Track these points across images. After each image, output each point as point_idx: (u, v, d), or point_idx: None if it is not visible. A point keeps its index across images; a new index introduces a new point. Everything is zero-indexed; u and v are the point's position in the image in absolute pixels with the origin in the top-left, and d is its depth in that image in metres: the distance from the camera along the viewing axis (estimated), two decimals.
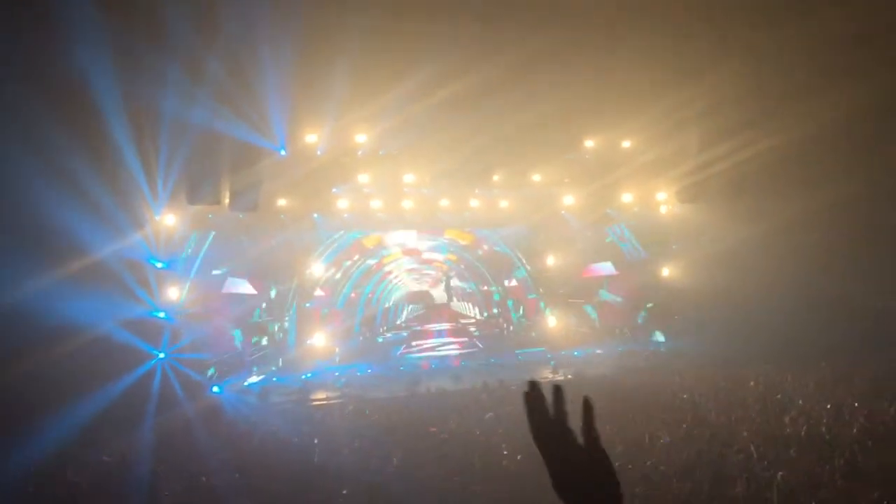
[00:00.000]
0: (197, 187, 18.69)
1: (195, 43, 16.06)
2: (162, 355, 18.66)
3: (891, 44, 18.40)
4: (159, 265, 19.01)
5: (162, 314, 18.92)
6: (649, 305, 25.35)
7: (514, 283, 26.94)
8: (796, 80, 20.01)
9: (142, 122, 16.93)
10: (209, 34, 16.13)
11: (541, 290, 26.62)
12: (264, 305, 22.28)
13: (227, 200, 19.28)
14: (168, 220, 19.14)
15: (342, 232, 24.00)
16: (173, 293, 19.30)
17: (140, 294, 18.21)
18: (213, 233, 20.97)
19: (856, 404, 14.07)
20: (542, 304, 26.51)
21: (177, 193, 18.60)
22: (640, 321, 25.52)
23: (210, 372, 20.27)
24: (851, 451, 11.09)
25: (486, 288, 26.62)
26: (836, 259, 20.99)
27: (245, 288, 21.41)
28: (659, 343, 24.79)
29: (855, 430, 12.40)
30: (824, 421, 13.11)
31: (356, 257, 24.64)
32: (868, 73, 18.80)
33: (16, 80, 14.65)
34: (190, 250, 20.48)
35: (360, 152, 20.55)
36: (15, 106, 14.90)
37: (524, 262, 26.74)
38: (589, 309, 26.28)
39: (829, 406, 14.26)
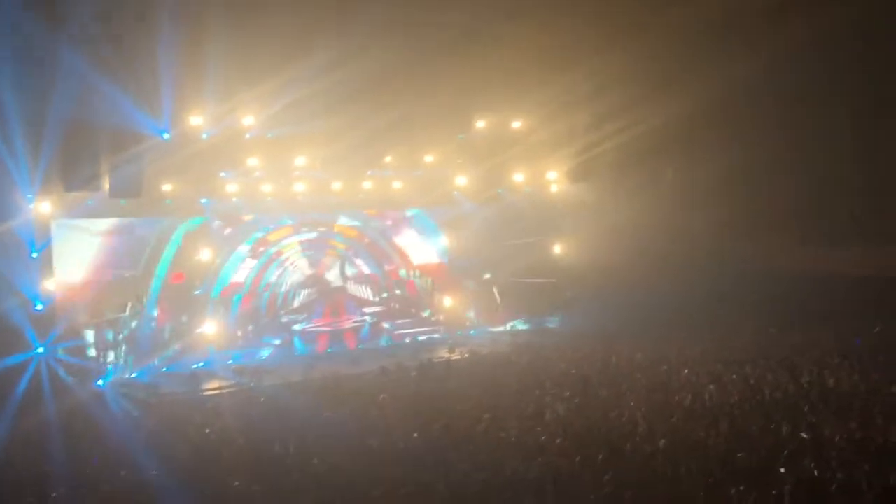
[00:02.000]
0: (74, 172, 17.77)
1: (69, 10, 15.26)
2: (41, 349, 17.76)
3: (759, 28, 19.42)
4: (34, 255, 18.03)
5: (40, 306, 17.98)
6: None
7: (417, 261, 26.76)
8: (679, 60, 20.85)
9: (11, 106, 15.94)
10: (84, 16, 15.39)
11: (440, 271, 26.67)
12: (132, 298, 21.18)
13: (107, 186, 18.44)
14: (43, 207, 18.14)
15: (248, 225, 23.25)
16: (50, 284, 18.34)
17: (18, 284, 17.28)
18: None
19: (733, 376, 14.81)
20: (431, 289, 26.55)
21: (52, 179, 17.66)
22: (535, 298, 25.99)
23: (93, 364, 19.39)
24: (732, 417, 11.71)
25: (389, 267, 26.28)
26: (718, 231, 22.10)
27: (102, 275, 20.40)
28: (552, 320, 25.33)
29: (736, 398, 13.07)
30: (709, 388, 13.74)
31: (227, 231, 23.43)
32: (741, 55, 19.78)
33: None
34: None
35: (248, 135, 20.00)
36: None
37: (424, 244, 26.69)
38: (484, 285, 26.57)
39: (710, 375, 14.98)
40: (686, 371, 15.59)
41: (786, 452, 9.71)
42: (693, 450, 10.31)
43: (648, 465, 9.95)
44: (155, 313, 21.42)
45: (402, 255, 26.41)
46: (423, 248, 26.66)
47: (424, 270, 26.67)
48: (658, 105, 21.06)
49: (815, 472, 8.91)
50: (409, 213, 26.07)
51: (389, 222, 26.10)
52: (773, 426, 11.17)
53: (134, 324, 20.79)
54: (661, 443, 10.63)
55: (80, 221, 19.83)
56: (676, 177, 21.39)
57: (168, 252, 21.63)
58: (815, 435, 10.49)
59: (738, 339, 18.67)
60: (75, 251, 19.86)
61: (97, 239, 20.40)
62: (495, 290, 26.34)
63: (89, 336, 19.77)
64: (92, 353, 19.69)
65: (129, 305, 20.62)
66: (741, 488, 8.67)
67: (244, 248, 23.63)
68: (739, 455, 9.84)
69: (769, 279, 21.76)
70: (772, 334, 18.84)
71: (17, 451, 12.75)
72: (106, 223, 20.47)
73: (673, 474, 9.55)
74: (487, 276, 26.35)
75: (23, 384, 16.64)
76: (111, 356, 20.11)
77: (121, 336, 20.39)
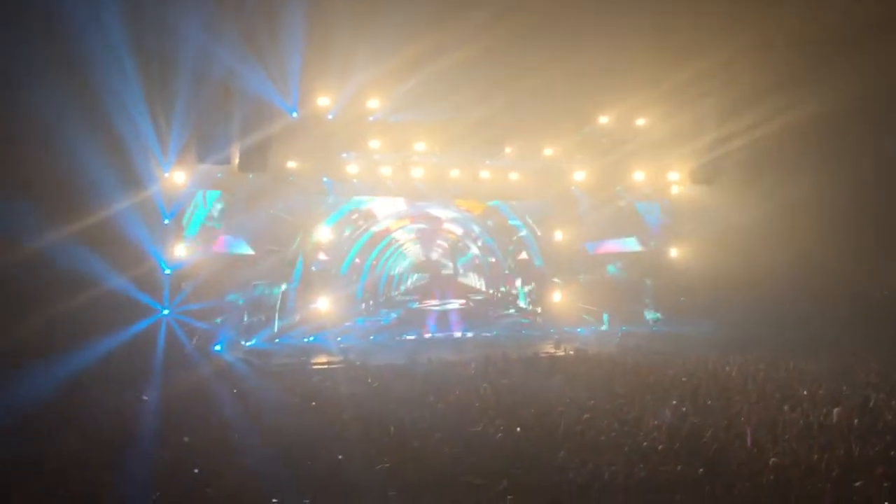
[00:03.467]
0: (207, 146, 18.61)
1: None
2: (166, 311, 18.75)
3: None
4: (167, 222, 19.02)
5: (168, 271, 18.97)
6: (649, 282, 25.29)
7: (523, 256, 26.76)
8: (812, 53, 19.53)
9: (154, 80, 16.82)
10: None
11: (549, 265, 26.47)
12: (268, 268, 22.12)
13: (236, 160, 19.21)
14: (177, 177, 19.08)
15: (353, 197, 23.84)
16: (180, 251, 19.30)
17: (149, 250, 18.28)
18: (220, 193, 20.86)
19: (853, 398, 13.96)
20: (550, 280, 26.37)
21: (186, 151, 18.56)
22: (646, 301, 25.40)
23: (213, 331, 20.32)
24: (848, 443, 11.06)
25: (494, 260, 26.43)
26: (843, 243, 20.75)
27: (243, 248, 21.30)
28: (663, 324, 24.68)
29: (856, 422, 12.31)
30: (824, 411, 13.03)
31: (361, 222, 24.39)
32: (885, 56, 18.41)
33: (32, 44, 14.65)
34: (198, 208, 20.40)
35: (371, 118, 20.39)
36: (30, 65, 14.97)
37: (535, 235, 26.55)
38: (596, 285, 26.20)
39: (825, 395, 14.20)
40: (804, 391, 14.80)
41: None
42: (804, 473, 9.79)
43: (754, 482, 9.54)
44: (296, 288, 22.34)
45: (508, 251, 26.39)
46: (527, 244, 26.50)
47: (525, 264, 26.54)
48: (794, 101, 19.82)
49: None
50: (513, 220, 25.89)
51: (491, 223, 26.09)
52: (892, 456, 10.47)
53: (269, 293, 21.79)
54: (771, 461, 10.16)
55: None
56: (803, 184, 20.05)
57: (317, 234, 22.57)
58: None
59: (860, 362, 17.56)
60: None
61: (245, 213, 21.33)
62: (607, 291, 25.90)
63: (217, 302, 20.67)
64: (215, 318, 20.57)
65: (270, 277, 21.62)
66: None
67: (368, 233, 24.30)
68: (856, 484, 9.28)
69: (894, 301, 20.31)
70: None
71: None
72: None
73: (781, 495, 9.12)
74: (604, 274, 25.94)
75: (146, 343, 17.62)
76: (233, 323, 20.99)
77: (246, 304, 21.30)
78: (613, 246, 25.82)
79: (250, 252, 21.46)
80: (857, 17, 17.94)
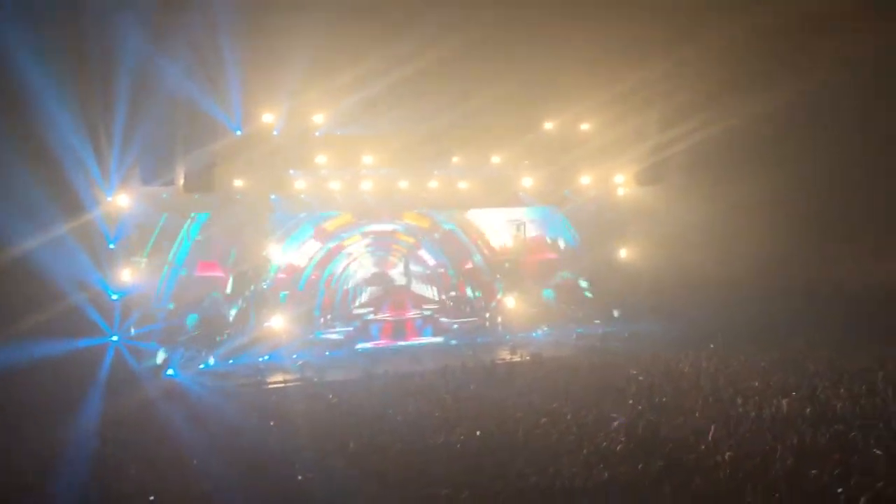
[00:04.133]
0: (151, 168, 18.36)
1: (146, 20, 15.78)
2: (115, 337, 18.39)
3: (841, 33, 18.68)
4: (111, 246, 18.67)
5: (115, 296, 18.62)
6: (589, 286, 25.72)
7: (470, 265, 26.86)
8: (752, 63, 20.24)
9: (93, 103, 16.54)
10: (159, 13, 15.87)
11: (498, 273, 26.64)
12: (217, 293, 21.87)
13: (181, 181, 18.96)
14: (121, 200, 18.75)
15: (304, 214, 23.72)
16: (125, 275, 18.95)
17: (91, 275, 17.94)
18: (165, 215, 20.55)
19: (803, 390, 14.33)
20: (499, 287, 26.54)
21: (130, 174, 18.29)
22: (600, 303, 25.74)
23: (162, 356, 19.98)
24: (800, 432, 11.35)
25: (442, 271, 26.54)
26: (788, 240, 21.36)
27: (214, 270, 21.09)
28: (614, 325, 24.98)
29: (808, 411, 12.63)
30: (775, 402, 13.34)
31: (316, 240, 24.34)
32: (823, 60, 19.09)
33: None
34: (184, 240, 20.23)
35: (317, 133, 20.32)
36: None
37: (480, 245, 26.71)
38: (547, 292, 26.44)
39: (778, 388, 14.54)
40: (756, 383, 15.15)
41: (855, 472, 9.35)
42: (759, 465, 10.01)
43: (711, 477, 9.72)
44: (230, 307, 22.03)
45: (457, 260, 26.54)
46: (472, 254, 26.72)
47: (480, 273, 26.71)
48: (731, 106, 20.47)
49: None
50: (447, 227, 26.12)
51: (437, 235, 26.22)
52: (843, 442, 10.78)
53: (208, 315, 21.48)
54: (727, 455, 10.37)
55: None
56: (748, 184, 20.62)
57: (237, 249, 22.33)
58: (889, 452, 10.09)
59: (809, 354, 18.01)
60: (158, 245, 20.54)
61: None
62: (554, 293, 26.21)
63: (163, 325, 20.35)
64: (164, 341, 20.24)
65: (209, 297, 21.31)
66: None
67: (323, 250, 24.21)
68: (810, 472, 9.53)
69: (842, 294, 20.89)
70: (845, 350, 18.08)
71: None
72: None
73: (737, 488, 9.31)
74: (556, 279, 26.23)
75: (95, 370, 17.24)
76: (183, 346, 20.68)
77: (194, 326, 21.01)
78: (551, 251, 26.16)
79: (220, 274, 21.22)
80: (794, 21, 18.53)
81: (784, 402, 13.27)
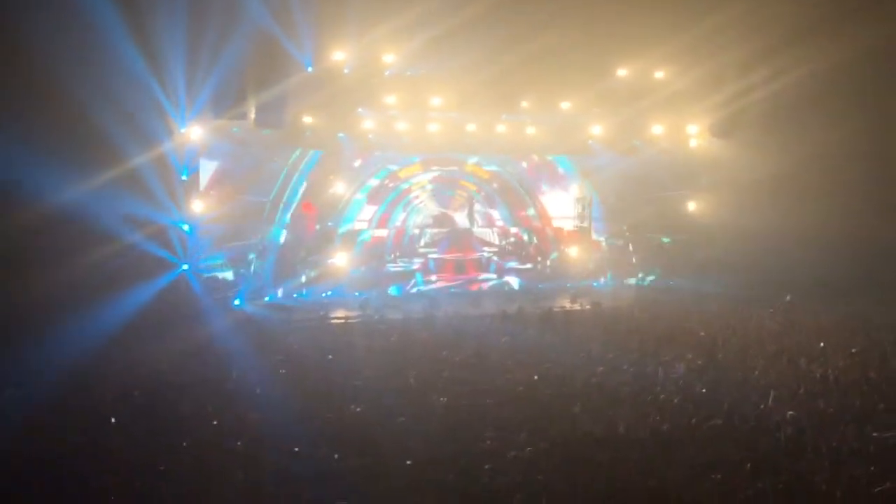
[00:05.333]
0: (223, 101, 18.61)
1: None
2: (186, 266, 18.94)
3: None
4: (184, 178, 19.09)
5: (186, 226, 19.10)
6: (666, 241, 25.29)
7: (526, 214, 26.57)
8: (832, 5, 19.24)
9: (167, 34, 16.73)
10: None
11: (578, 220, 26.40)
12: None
13: (252, 116, 19.18)
14: (194, 132, 19.08)
15: (379, 163, 23.78)
16: (197, 205, 19.40)
17: (167, 204, 18.41)
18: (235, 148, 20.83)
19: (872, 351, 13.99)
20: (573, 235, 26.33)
21: (203, 107, 18.54)
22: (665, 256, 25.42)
23: (232, 285, 20.54)
24: (863, 395, 11.15)
25: (518, 213, 26.24)
26: (865, 197, 20.58)
27: (248, 201, 21.33)
28: (680, 279, 24.65)
29: (873, 375, 12.37)
30: (839, 364, 13.09)
31: (391, 185, 24.31)
32: None
33: None
34: (216, 164, 20.43)
35: (387, 72, 20.26)
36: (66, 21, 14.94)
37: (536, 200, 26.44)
38: (611, 241, 26.20)
39: (849, 349, 14.22)
40: (821, 343, 14.83)
41: None
42: (821, 425, 9.89)
43: (770, 435, 9.65)
44: (281, 241, 22.36)
45: (534, 201, 26.27)
46: (556, 196, 26.43)
47: (554, 220, 26.48)
48: (813, 51, 19.55)
49: None
50: (549, 158, 25.85)
51: (525, 165, 25.96)
52: None
53: (266, 248, 21.90)
54: (788, 415, 10.26)
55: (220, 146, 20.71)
56: (826, 135, 19.76)
57: (298, 182, 22.50)
58: None
59: (883, 313, 17.50)
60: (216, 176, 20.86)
61: (235, 163, 21.28)
62: (628, 244, 25.92)
63: (236, 257, 20.84)
64: (231, 273, 20.75)
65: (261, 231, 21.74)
66: (872, 469, 8.30)
67: (374, 182, 24.19)
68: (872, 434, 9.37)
69: None
70: None
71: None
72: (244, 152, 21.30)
73: (796, 445, 9.22)
74: (622, 228, 25.94)
75: (167, 298, 17.85)
76: (248, 277, 21.17)
77: (257, 258, 21.47)
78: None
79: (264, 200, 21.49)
80: None
81: (849, 364, 13.04)
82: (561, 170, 26.22)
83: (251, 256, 21.48)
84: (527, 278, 25.59)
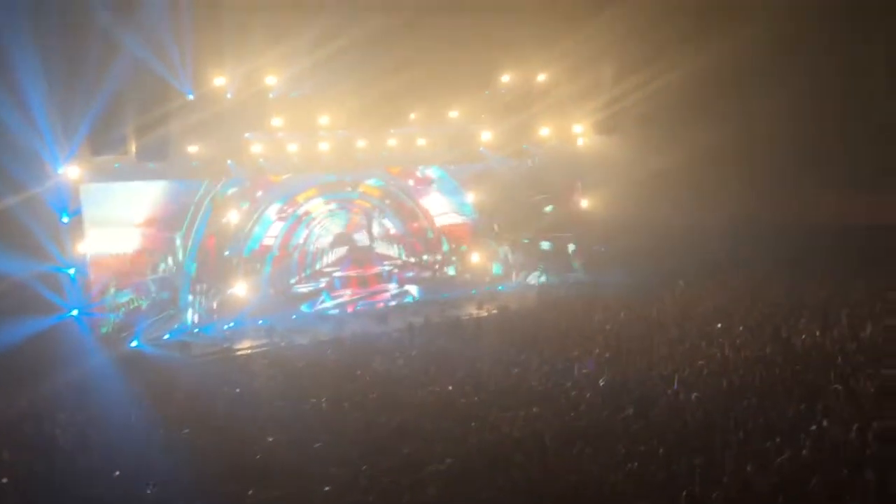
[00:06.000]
0: (101, 137, 17.82)
1: None
2: (75, 311, 18.04)
3: None
4: (65, 219, 18.21)
5: (72, 270, 18.21)
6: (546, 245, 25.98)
7: (445, 219, 26.67)
8: (703, 15, 20.43)
9: (39, 71, 15.93)
10: None
11: (474, 226, 26.59)
12: (170, 259, 21.42)
13: (133, 149, 18.47)
14: (72, 172, 18.23)
15: (277, 193, 23.32)
16: (81, 248, 18.52)
17: (49, 248, 17.49)
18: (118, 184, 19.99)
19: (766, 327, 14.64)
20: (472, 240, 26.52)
21: (80, 145, 17.73)
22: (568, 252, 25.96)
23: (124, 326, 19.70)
24: (765, 367, 11.65)
25: (416, 225, 26.25)
26: (750, 182, 21.78)
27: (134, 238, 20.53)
28: (579, 274, 25.23)
29: (768, 350, 12.94)
30: (737, 343, 13.64)
31: (259, 194, 23.62)
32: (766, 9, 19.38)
33: None
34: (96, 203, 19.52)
35: (271, 95, 19.92)
36: None
37: (456, 196, 26.57)
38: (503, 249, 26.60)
39: (742, 328, 14.85)
40: (719, 325, 15.44)
41: (820, 405, 9.64)
42: (724, 404, 10.26)
43: (679, 419, 9.94)
44: (192, 274, 21.67)
45: (426, 214, 26.39)
46: (446, 206, 26.58)
47: (449, 228, 26.64)
48: (685, 56, 20.65)
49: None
50: (431, 173, 25.98)
51: (412, 182, 26.01)
52: (806, 377, 11.10)
53: (169, 284, 21.13)
54: (693, 396, 10.60)
55: (117, 185, 19.88)
56: (704, 130, 20.89)
57: (203, 215, 21.85)
58: (846, 386, 10.40)
59: (769, 292, 18.40)
60: (114, 214, 20.00)
61: (137, 201, 20.48)
62: (521, 245, 26.33)
63: (124, 297, 19.97)
64: (124, 314, 19.90)
65: (165, 266, 20.94)
66: (777, 440, 8.65)
67: (273, 209, 23.75)
68: (772, 411, 9.78)
69: (797, 229, 21.36)
70: (803, 286, 18.50)
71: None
72: (146, 186, 20.56)
73: (704, 425, 9.54)
74: (517, 231, 26.31)
75: (58, 345, 16.89)
76: (144, 316, 20.35)
77: (155, 296, 20.67)
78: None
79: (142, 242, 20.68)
80: None
81: (747, 341, 13.63)
82: (443, 179, 26.34)
83: (155, 293, 20.64)
84: (427, 287, 25.60)
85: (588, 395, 11.46)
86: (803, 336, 13.64)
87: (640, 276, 21.77)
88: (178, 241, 21.38)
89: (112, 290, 19.88)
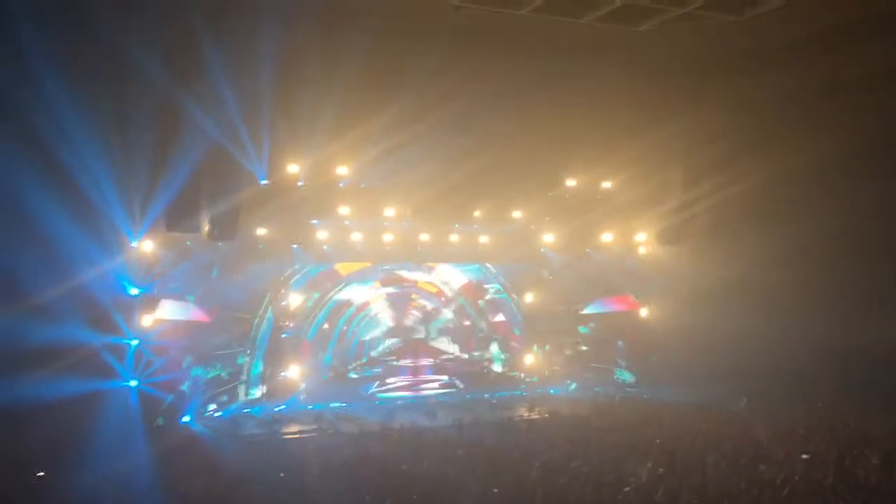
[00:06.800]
0: (176, 214, 18.51)
1: (175, 70, 16.12)
2: (134, 382, 18.36)
3: (863, 91, 18.70)
4: (134, 291, 18.76)
5: (135, 342, 18.64)
6: (621, 343, 25.47)
7: (499, 318, 26.76)
8: (773, 123, 20.32)
9: (121, 149, 16.77)
10: (188, 63, 16.19)
11: (525, 327, 26.53)
12: (233, 335, 21.79)
13: (206, 228, 19.11)
14: (146, 246, 18.89)
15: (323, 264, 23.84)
16: (146, 320, 18.98)
17: (116, 320, 17.97)
18: (187, 261, 20.57)
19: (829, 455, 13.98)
20: (523, 342, 26.40)
21: (156, 220, 18.42)
22: (619, 361, 25.44)
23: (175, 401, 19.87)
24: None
25: (467, 323, 26.45)
26: (816, 300, 21.02)
27: (200, 315, 20.91)
28: (635, 383, 24.67)
29: (830, 481, 12.32)
30: (799, 471, 13.04)
31: (328, 285, 24.24)
32: (843, 120, 19.09)
33: None
34: (164, 278, 20.08)
35: (341, 184, 20.51)
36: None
37: (510, 297, 26.66)
38: (571, 345, 26.24)
39: (805, 456, 14.20)
40: (779, 450, 14.79)
41: None
42: None
43: None
44: (256, 354, 22.05)
45: (482, 314, 26.51)
46: (500, 306, 26.63)
47: (500, 326, 26.63)
48: (755, 165, 20.47)
49: None
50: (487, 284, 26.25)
51: (464, 281, 26.32)
52: None
53: (231, 361, 21.48)
54: None
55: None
56: (774, 240, 20.42)
57: (273, 298, 22.51)
58: None
59: (836, 418, 17.59)
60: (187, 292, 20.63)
61: (212, 282, 21.14)
62: (578, 349, 25.98)
63: (184, 373, 20.23)
64: (184, 388, 20.10)
65: (231, 344, 21.36)
66: None
67: (337, 297, 24.22)
68: None
69: (874, 352, 20.43)
70: (872, 416, 17.60)
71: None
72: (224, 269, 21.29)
73: None
74: (573, 337, 26.04)
75: (111, 414, 17.14)
76: (201, 391, 20.57)
77: (214, 374, 20.94)
78: (587, 308, 25.97)
79: (206, 319, 21.05)
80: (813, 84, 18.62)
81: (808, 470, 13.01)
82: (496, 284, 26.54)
83: (219, 369, 20.96)
84: (477, 383, 25.36)
85: None
86: (867, 469, 12.94)
87: (697, 390, 21.13)
88: (246, 321, 21.89)
89: (189, 362, 20.26)
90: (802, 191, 20.68)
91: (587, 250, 24.88)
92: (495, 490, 12.42)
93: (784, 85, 19.06)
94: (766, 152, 20.32)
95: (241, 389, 22.00)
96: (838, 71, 18.36)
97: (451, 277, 26.03)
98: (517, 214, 23.00)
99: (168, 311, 19.87)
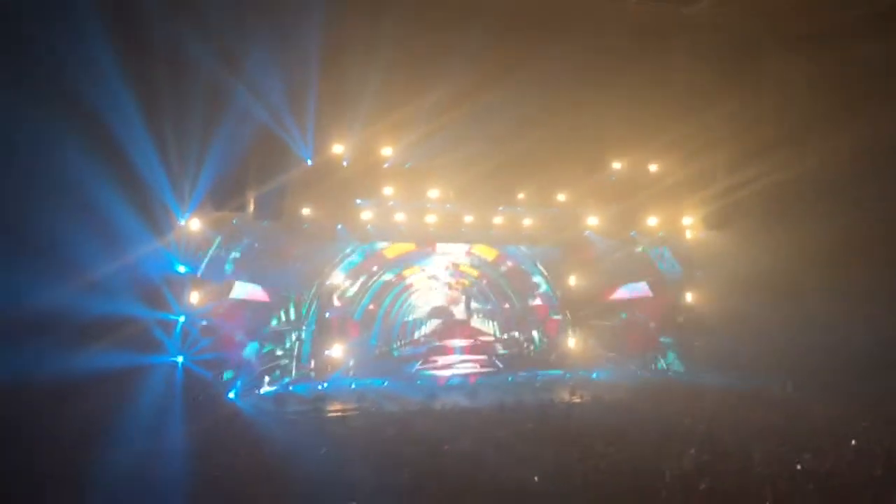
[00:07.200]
0: (223, 194, 18.78)
1: (224, 53, 16.29)
2: (181, 358, 18.74)
3: None
4: (182, 269, 19.12)
5: (182, 318, 19.00)
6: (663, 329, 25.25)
7: (537, 301, 26.78)
8: (829, 102, 19.72)
9: (169, 129, 17.02)
10: (237, 47, 16.35)
11: (565, 310, 26.48)
12: (282, 314, 22.22)
13: (251, 208, 19.36)
14: (193, 224, 19.20)
15: (367, 244, 24.08)
16: (194, 298, 19.33)
17: (166, 296, 18.37)
18: (236, 241, 20.88)
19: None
20: (563, 325, 26.38)
21: (203, 199, 18.70)
22: (661, 347, 25.23)
23: (226, 377, 20.25)
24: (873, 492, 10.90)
25: (507, 306, 26.52)
26: (869, 292, 20.47)
27: (258, 294, 21.27)
28: (679, 369, 24.46)
29: (880, 472, 12.10)
30: (847, 459, 12.82)
31: (375, 268, 24.58)
32: None
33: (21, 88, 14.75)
34: (212, 256, 20.42)
35: (385, 164, 20.59)
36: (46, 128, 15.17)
37: (549, 280, 26.63)
38: (610, 331, 26.09)
39: (852, 442, 13.96)
40: (826, 439, 14.55)
41: None
42: None
43: None
44: (305, 332, 22.43)
45: (521, 296, 26.50)
46: (541, 288, 26.57)
47: (541, 310, 26.61)
48: (804, 149, 19.98)
49: None
50: (529, 258, 26.07)
51: (504, 269, 26.24)
52: None
53: (280, 338, 21.87)
54: None
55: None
56: (819, 229, 19.90)
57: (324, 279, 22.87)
58: None
59: (887, 408, 17.22)
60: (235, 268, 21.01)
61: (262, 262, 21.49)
62: (619, 333, 25.83)
63: (232, 351, 20.60)
64: (231, 366, 20.49)
65: (278, 322, 21.71)
66: None
67: (382, 279, 24.48)
68: None
69: None
70: None
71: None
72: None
73: None
74: (613, 320, 25.88)
75: (157, 389, 17.52)
76: (250, 369, 20.95)
77: (264, 352, 21.33)
78: (629, 291, 25.73)
79: (265, 299, 21.42)
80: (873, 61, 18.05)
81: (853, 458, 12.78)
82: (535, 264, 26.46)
83: (252, 349, 21.31)
84: (519, 364, 25.40)
85: (679, 496, 10.99)
86: None
87: (742, 376, 20.84)
88: (293, 299, 22.23)
89: (238, 340, 20.66)
90: (853, 177, 20.14)
91: (632, 234, 24.60)
92: (535, 478, 12.44)
93: (835, 68, 18.49)
94: (815, 136, 19.80)
95: (289, 368, 22.38)
96: (892, 56, 17.80)
97: (491, 260, 26.04)
98: (561, 197, 22.82)
99: (217, 290, 20.22)
